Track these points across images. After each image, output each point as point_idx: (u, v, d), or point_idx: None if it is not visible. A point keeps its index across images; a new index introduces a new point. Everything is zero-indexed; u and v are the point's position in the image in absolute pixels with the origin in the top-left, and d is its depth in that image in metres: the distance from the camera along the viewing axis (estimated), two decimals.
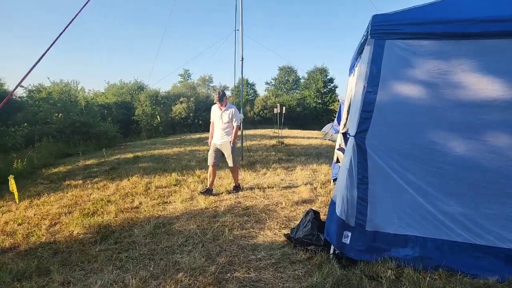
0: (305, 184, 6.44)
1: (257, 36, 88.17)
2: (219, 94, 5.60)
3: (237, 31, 9.27)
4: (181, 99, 32.15)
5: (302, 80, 48.00)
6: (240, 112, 9.57)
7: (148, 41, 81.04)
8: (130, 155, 11.58)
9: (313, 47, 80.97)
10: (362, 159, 3.21)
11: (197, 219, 4.67)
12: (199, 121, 31.30)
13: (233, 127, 5.77)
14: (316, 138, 17.90)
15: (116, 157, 11.62)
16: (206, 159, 9.69)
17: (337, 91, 43.59)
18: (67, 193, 6.47)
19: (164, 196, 5.90)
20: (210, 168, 5.89)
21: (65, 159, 12.12)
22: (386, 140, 3.18)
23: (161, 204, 5.47)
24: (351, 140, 3.29)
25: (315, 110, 41.12)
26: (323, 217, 4.13)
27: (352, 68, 5.15)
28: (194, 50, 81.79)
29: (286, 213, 4.83)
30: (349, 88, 5.08)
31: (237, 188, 6.09)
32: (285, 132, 22.89)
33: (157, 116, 27.05)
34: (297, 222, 4.17)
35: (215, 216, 4.77)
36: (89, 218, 4.85)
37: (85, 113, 18.07)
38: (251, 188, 6.26)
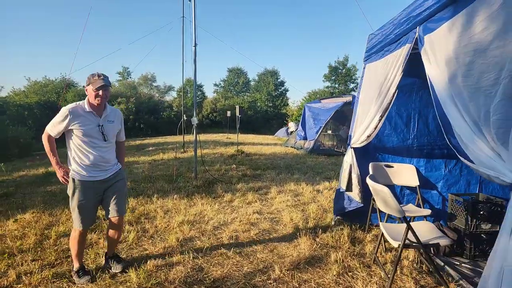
0: (296, 223, 4.40)
1: (209, 27, 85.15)
2: (100, 77, 2.79)
3: (184, 18, 7.04)
4: (119, 99, 28.37)
5: (252, 83, 46.43)
6: (194, 115, 7.27)
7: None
8: (41, 170, 8.55)
9: (264, 51, 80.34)
10: None
11: None
12: (140, 124, 27.86)
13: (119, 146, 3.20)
14: (276, 145, 16.08)
15: (21, 173, 8.50)
16: (148, 177, 7.33)
17: (288, 94, 42.83)
18: None
19: (67, 257, 3.40)
20: (81, 233, 2.97)
21: None
22: None
23: (56, 279, 2.99)
24: None
25: (266, 113, 39.75)
26: None
27: (385, 48, 3.26)
28: (138, 48, 75.85)
29: None
30: (380, 79, 3.15)
31: (117, 260, 3.19)
32: (240, 137, 20.80)
33: None
34: None
35: None
36: None
37: None
38: (216, 232, 4.04)
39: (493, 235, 3.43)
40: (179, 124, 12.20)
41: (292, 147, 13.99)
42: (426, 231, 2.97)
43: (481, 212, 3.39)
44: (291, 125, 23.68)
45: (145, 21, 75.67)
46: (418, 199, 3.82)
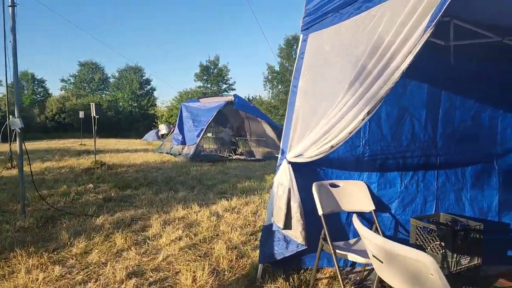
0: (201, 286, 2.72)
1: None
2: None
3: None
4: None
5: (112, 80, 40.86)
6: (16, 116, 4.58)
7: None
8: None
9: (126, 46, 72.40)
10: None
11: None
12: None
13: None
14: (147, 151, 13.59)
15: None
16: None
17: (156, 93, 39.57)
18: None
19: None
20: None
21: None
22: None
23: None
24: None
25: (131, 114, 35.50)
26: None
27: None
28: None
29: None
30: None
31: None
32: (98, 143, 17.16)
33: None
34: None
35: None
36: None
37: None
38: None
39: (473, 272, 2.63)
40: (2, 127, 8.50)
41: (168, 153, 11.94)
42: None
43: (459, 242, 2.54)
44: (162, 128, 21.35)
45: None
46: (376, 228, 2.76)
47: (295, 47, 32.26)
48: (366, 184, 2.90)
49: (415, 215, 2.99)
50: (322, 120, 2.13)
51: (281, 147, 2.72)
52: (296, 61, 2.58)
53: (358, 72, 1.87)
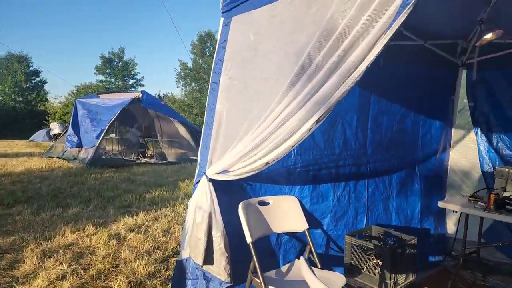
0: None
1: None
2: None
3: None
4: None
5: None
6: None
7: None
8: None
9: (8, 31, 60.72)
10: None
11: None
12: None
13: None
14: (33, 155, 11.27)
15: None
16: None
17: (48, 87, 34.23)
18: None
19: None
20: None
21: None
22: None
23: None
24: None
25: (14, 110, 29.95)
26: None
27: None
28: None
29: None
30: None
31: None
32: None
33: None
34: None
35: None
36: None
37: None
38: None
39: None
40: None
41: (60, 158, 10.07)
42: None
43: (397, 260, 2.34)
44: (55, 126, 18.39)
45: None
46: (310, 250, 2.40)
47: (208, 43, 31.48)
48: (298, 199, 2.52)
49: (347, 229, 2.74)
50: (253, 129, 1.62)
51: (198, 159, 2.13)
52: (216, 51, 2.02)
53: (302, 66, 1.41)
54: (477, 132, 3.26)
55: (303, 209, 2.50)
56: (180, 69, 32.78)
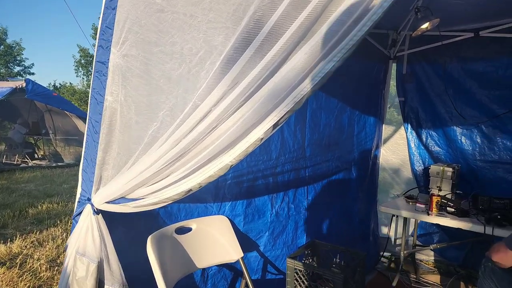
0: None
1: None
2: None
3: None
4: None
5: None
6: None
7: None
8: None
9: None
10: None
11: None
12: None
13: None
14: None
15: None
16: None
17: None
18: None
19: None
20: None
21: None
22: None
23: None
24: None
25: None
26: None
27: None
28: None
29: None
30: None
31: None
32: None
33: None
34: None
35: None
36: None
37: None
38: None
39: None
40: None
41: None
42: None
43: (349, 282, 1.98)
44: None
45: None
46: (246, 283, 1.88)
47: None
48: (229, 219, 1.96)
49: (286, 247, 2.30)
50: (165, 135, 0.99)
51: (80, 179, 1.39)
52: (100, 16, 1.29)
53: (246, 33, 0.84)
54: (407, 128, 3.16)
55: (235, 231, 1.96)
56: (80, 56, 28.86)
